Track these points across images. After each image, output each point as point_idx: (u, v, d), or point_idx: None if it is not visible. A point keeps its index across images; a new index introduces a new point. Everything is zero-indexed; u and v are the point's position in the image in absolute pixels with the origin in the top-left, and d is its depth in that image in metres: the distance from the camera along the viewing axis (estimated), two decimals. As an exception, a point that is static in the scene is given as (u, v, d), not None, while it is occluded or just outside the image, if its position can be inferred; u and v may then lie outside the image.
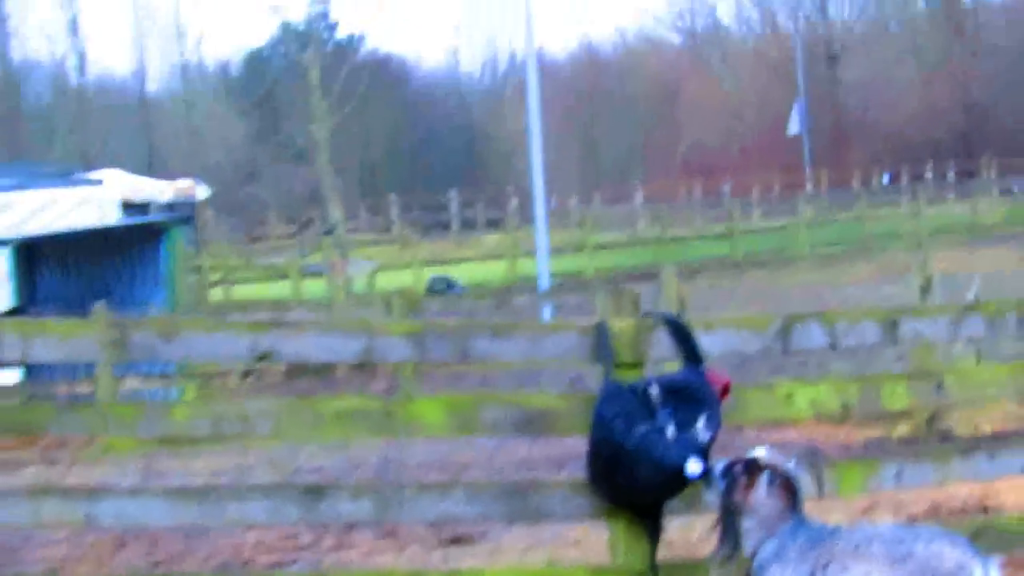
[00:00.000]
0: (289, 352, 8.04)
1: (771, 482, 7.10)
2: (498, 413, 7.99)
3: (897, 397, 8.96)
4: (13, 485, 10.71)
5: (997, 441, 12.61)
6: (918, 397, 9.15)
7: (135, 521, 8.47)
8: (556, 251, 47.19)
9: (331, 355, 8.90)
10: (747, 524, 7.24)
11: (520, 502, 8.17)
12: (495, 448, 15.46)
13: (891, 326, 8.57)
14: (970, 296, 20.32)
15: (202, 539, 12.68)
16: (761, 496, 7.19)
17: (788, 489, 7.15)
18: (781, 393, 8.43)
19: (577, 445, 7.83)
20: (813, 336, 8.43)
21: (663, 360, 7.91)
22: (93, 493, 8.04)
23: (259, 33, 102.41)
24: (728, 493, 7.19)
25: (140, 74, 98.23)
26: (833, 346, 8.63)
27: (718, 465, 7.27)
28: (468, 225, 77.34)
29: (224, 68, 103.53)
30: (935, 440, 14.64)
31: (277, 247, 64.31)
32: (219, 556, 12.69)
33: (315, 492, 7.86)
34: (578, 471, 7.83)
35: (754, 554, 7.19)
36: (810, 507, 8.83)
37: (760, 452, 7.23)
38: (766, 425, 10.95)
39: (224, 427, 7.95)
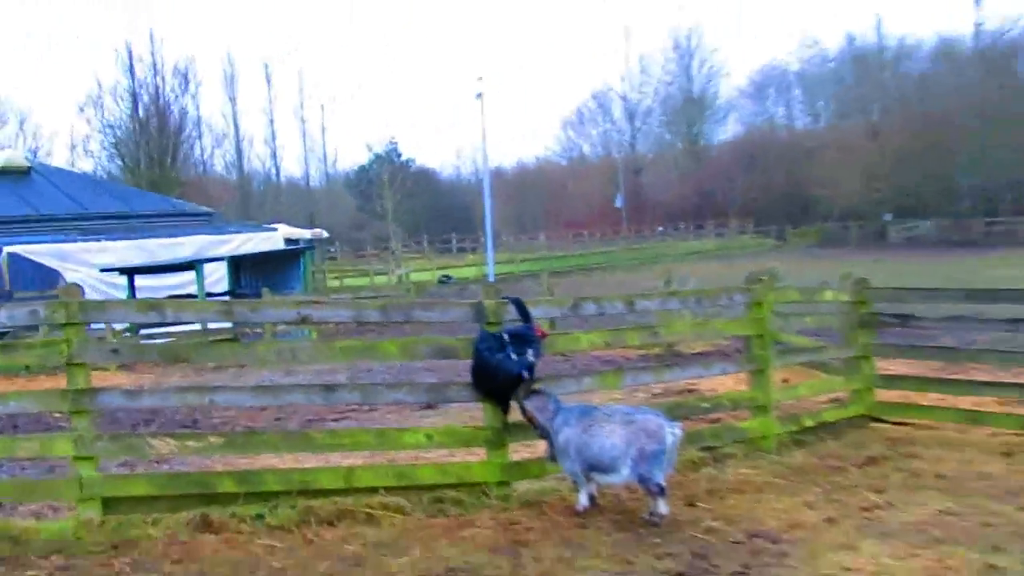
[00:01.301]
0: (316, 317, 7.51)
1: (528, 397, 7.22)
2: (426, 348, 7.54)
3: (631, 339, 8.55)
4: (172, 385, 9.97)
5: (694, 357, 12.16)
6: (643, 339, 8.67)
7: (233, 403, 8.01)
8: (499, 263, 47.22)
9: (339, 319, 8.48)
10: (540, 411, 7.12)
11: (439, 393, 7.85)
12: (425, 365, 14.82)
13: (630, 303, 8.11)
14: (690, 285, 20.02)
15: (305, 408, 12.05)
16: (531, 403, 7.17)
17: (539, 394, 7.27)
18: (572, 337, 8.00)
19: (466, 364, 7.31)
20: (589, 308, 8.01)
21: (512, 320, 7.44)
22: (213, 389, 7.40)
23: (363, 155, 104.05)
24: (524, 413, 7.26)
25: (305, 176, 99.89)
26: (601, 313, 8.24)
27: (530, 375, 7.04)
28: (460, 250, 77.12)
29: (347, 174, 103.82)
30: (670, 356, 14.13)
31: (368, 260, 63.77)
32: (309, 415, 12.13)
33: (329, 389, 7.35)
34: (466, 377, 7.30)
35: (550, 421, 7.12)
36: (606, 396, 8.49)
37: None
38: (573, 352, 10.29)
39: (283, 355, 7.44)
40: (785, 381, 10.87)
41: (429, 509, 7.16)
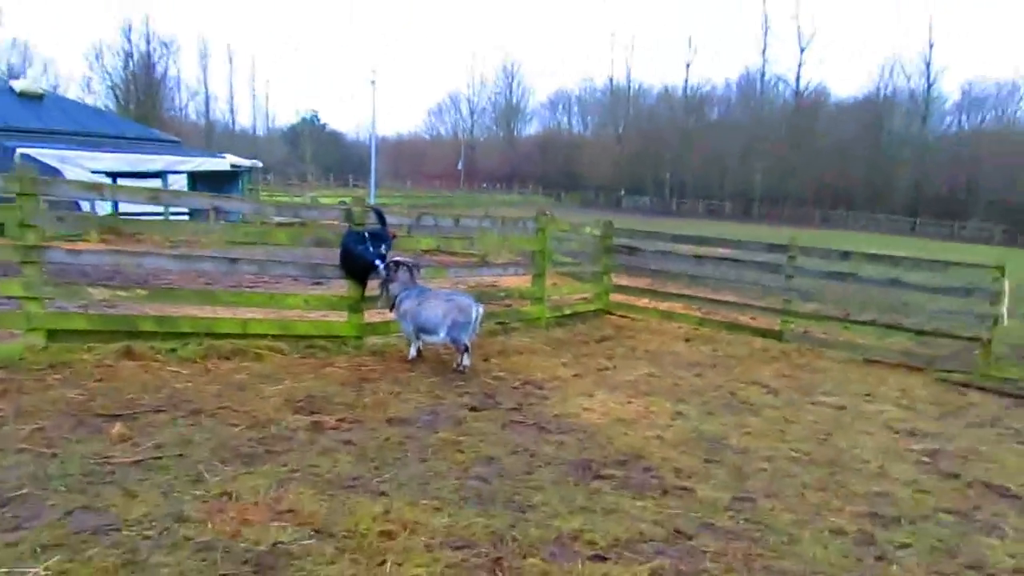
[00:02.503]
0: (226, 207, 6.38)
1: (402, 268, 6.32)
2: (308, 238, 6.50)
3: (456, 245, 7.74)
4: (108, 249, 8.41)
5: (497, 265, 11.44)
6: (464, 246, 7.83)
7: (156, 266, 6.75)
8: (380, 197, 44.60)
9: (243, 210, 7.20)
10: (393, 287, 6.13)
11: (317, 271, 6.72)
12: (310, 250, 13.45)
13: (457, 220, 7.33)
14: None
15: (226, 277, 10.57)
16: (401, 274, 6.12)
17: (408, 271, 6.33)
18: (415, 240, 7.08)
19: (336, 252, 6.39)
20: (428, 221, 7.19)
21: (372, 224, 6.51)
22: (141, 254, 6.10)
23: (294, 116, 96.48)
24: (387, 273, 6.17)
25: (253, 128, 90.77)
26: (436, 226, 7.36)
27: (381, 264, 6.12)
28: (355, 186, 72.71)
29: (282, 128, 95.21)
30: (483, 261, 13.31)
31: (292, 187, 59.52)
32: (235, 281, 10.68)
33: (232, 261, 6.20)
34: (336, 261, 6.37)
35: (396, 296, 6.22)
36: (440, 283, 7.64)
37: (397, 257, 6.06)
38: (415, 251, 9.33)
39: (197, 232, 6.27)
40: (554, 284, 10.43)
41: (303, 352, 6.27)
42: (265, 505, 3.32)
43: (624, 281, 10.85)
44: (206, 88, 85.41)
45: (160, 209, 17.91)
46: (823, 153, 62.97)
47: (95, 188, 5.83)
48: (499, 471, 4.01)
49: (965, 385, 7.46)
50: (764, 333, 9.04)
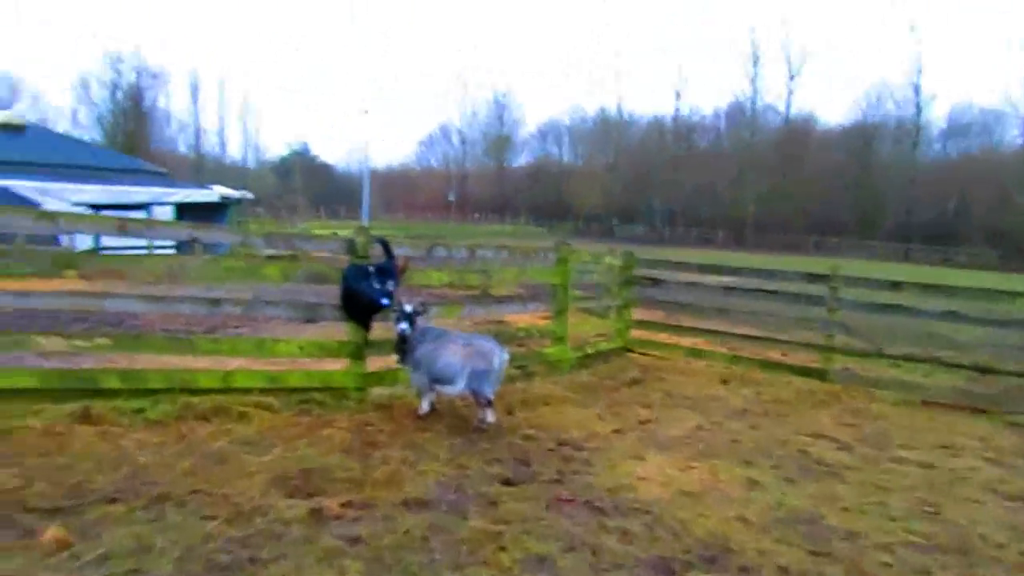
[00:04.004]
0: (205, 239, 5.40)
1: (419, 312, 5.21)
2: (302, 273, 5.54)
3: (471, 279, 6.81)
4: (64, 289, 7.33)
5: (504, 299, 10.48)
6: (480, 280, 6.90)
7: (125, 309, 5.76)
8: (372, 229, 43.62)
9: (226, 241, 6.28)
10: (415, 332, 5.24)
11: (313, 311, 5.73)
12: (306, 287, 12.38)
13: (473, 250, 6.37)
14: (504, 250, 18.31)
15: (201, 320, 9.54)
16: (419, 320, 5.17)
17: (414, 315, 5.32)
18: (426, 274, 6.15)
19: (336, 288, 5.44)
20: (439, 251, 6.17)
21: (378, 257, 5.58)
22: (104, 295, 5.03)
23: (284, 149, 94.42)
24: (410, 327, 5.32)
25: (244, 159, 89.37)
26: (449, 257, 6.39)
27: (387, 302, 5.19)
28: (347, 218, 71.74)
29: (275, 161, 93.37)
30: (487, 296, 12.35)
31: (282, 219, 58.45)
32: (205, 325, 9.70)
33: (215, 302, 5.20)
34: (336, 300, 5.42)
35: (415, 346, 5.29)
36: (450, 323, 6.67)
37: (405, 303, 5.13)
38: (425, 287, 8.33)
39: (172, 270, 5.28)
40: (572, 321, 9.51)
41: (296, 409, 5.29)
42: (247, 659, 2.34)
43: (638, 315, 9.95)
44: (196, 120, 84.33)
45: (143, 243, 16.86)
46: (813, 180, 62.84)
47: (46, 217, 4.87)
48: (557, 580, 3.04)
49: (1044, 431, 6.57)
50: (804, 372, 8.13)
